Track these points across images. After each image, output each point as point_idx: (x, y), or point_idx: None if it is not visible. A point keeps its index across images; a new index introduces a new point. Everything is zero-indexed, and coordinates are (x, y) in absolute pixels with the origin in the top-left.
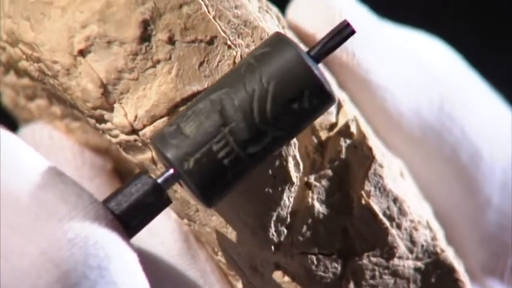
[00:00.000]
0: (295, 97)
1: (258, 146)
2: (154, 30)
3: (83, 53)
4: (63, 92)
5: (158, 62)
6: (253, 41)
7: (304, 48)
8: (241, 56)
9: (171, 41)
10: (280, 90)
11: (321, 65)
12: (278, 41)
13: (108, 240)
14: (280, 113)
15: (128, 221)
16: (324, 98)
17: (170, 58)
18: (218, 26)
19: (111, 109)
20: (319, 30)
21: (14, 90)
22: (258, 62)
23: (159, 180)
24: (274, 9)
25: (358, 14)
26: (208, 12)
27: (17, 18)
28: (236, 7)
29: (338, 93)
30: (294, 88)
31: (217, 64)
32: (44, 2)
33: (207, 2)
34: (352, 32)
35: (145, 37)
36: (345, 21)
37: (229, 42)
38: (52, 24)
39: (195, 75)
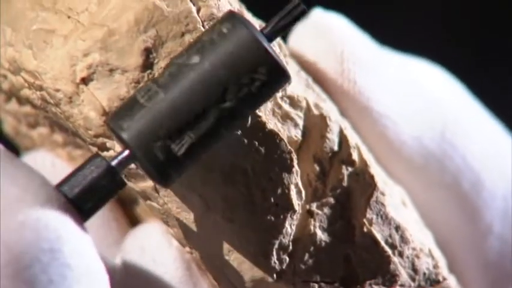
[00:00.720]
0: (252, 75)
1: (213, 125)
2: (157, 58)
3: (85, 81)
4: (66, 120)
5: None
6: None
7: (305, 76)
8: None
9: None
10: (237, 70)
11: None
12: (232, 21)
13: (60, 222)
14: (237, 91)
15: (82, 204)
16: (279, 74)
17: None
18: None
19: (113, 137)
20: (321, 59)
21: (15, 118)
22: (213, 44)
23: (113, 163)
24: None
25: (359, 41)
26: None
27: (19, 46)
28: None
29: (340, 120)
30: (250, 66)
31: None
32: (46, 30)
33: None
34: (304, 11)
35: (147, 65)
36: (295, 0)
37: None
38: (54, 53)
39: None
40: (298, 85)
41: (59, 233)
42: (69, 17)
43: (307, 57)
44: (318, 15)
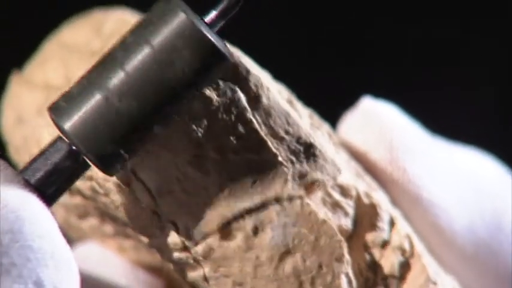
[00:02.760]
0: (199, 71)
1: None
2: (206, 148)
3: (134, 170)
4: (115, 209)
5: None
6: (305, 157)
7: (355, 165)
8: (292, 172)
9: (223, 158)
10: (186, 68)
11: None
12: (170, 7)
13: (20, 202)
14: (187, 88)
15: (45, 188)
16: (218, 57)
17: (222, 175)
18: (270, 143)
19: (162, 227)
20: (371, 147)
21: (66, 209)
22: (157, 36)
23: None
24: (326, 126)
25: (409, 130)
26: (260, 129)
27: None
28: (288, 124)
29: (390, 209)
30: (188, 51)
31: (270, 181)
32: None
33: (258, 119)
34: None
35: (196, 154)
36: None
37: (280, 159)
38: None
39: (247, 192)
40: (349, 174)
41: (19, 214)
42: None
43: (357, 146)
44: (367, 103)
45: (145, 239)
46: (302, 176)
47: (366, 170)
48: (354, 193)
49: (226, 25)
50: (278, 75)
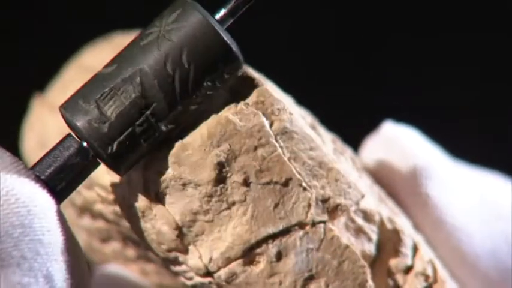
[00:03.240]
0: (213, 69)
1: (175, 122)
2: (230, 172)
3: (158, 195)
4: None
5: (233, 203)
6: (328, 183)
7: (378, 190)
8: (315, 197)
9: (246, 182)
10: (199, 67)
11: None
12: (188, 9)
13: (31, 197)
14: (199, 88)
15: (55, 184)
16: (236, 66)
17: (245, 200)
18: (293, 168)
19: (186, 251)
20: (393, 172)
21: (88, 233)
22: (172, 35)
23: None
24: (349, 151)
25: (431, 154)
26: (283, 154)
27: None
28: (311, 149)
29: (413, 234)
30: (211, 62)
31: (292, 206)
32: None
33: (281, 144)
34: None
35: (220, 179)
36: None
37: (304, 184)
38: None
39: (270, 217)
40: (372, 199)
41: (29, 208)
42: None
43: (379, 171)
44: (389, 128)
45: (167, 264)
46: (325, 201)
47: (389, 195)
48: (377, 218)
49: (251, 49)
50: (301, 99)
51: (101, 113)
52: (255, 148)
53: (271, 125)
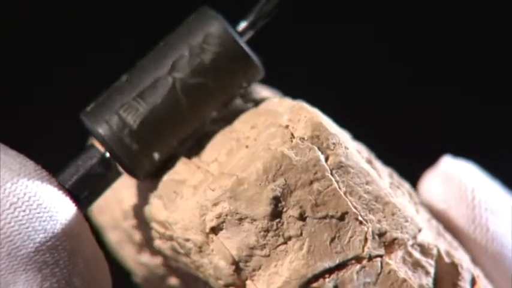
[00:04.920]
0: (232, 77)
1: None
2: (285, 207)
3: (214, 230)
4: (196, 269)
5: (289, 238)
6: (385, 217)
7: (436, 223)
8: (372, 231)
9: (302, 217)
10: (219, 76)
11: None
12: (207, 18)
13: (54, 203)
14: (220, 96)
15: (78, 192)
16: (256, 74)
17: (301, 234)
18: (349, 202)
19: (243, 286)
20: (452, 206)
21: (147, 269)
22: (187, 41)
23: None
24: (406, 185)
25: (490, 188)
26: (339, 188)
27: (150, 197)
28: (367, 183)
29: (472, 268)
30: (229, 69)
31: (349, 240)
32: (176, 181)
33: (337, 178)
34: (277, 5)
35: (276, 214)
36: None
37: (360, 218)
38: (184, 203)
39: (327, 251)
40: (429, 233)
41: (51, 214)
42: (198, 167)
43: (437, 205)
44: (447, 162)
45: None
46: (382, 234)
47: (447, 229)
48: (434, 252)
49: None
50: (357, 134)
51: (123, 122)
52: (311, 182)
53: (326, 159)
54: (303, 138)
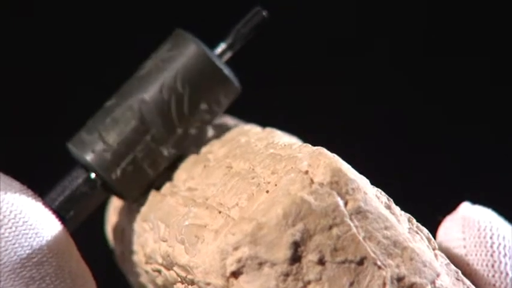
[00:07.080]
0: (206, 93)
1: (177, 147)
2: (305, 252)
3: (235, 274)
4: None
5: (309, 282)
6: (403, 261)
7: (454, 269)
8: (391, 276)
9: (321, 261)
10: (194, 91)
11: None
12: (182, 40)
13: (40, 221)
14: (195, 111)
15: (63, 212)
16: (232, 91)
17: (321, 279)
18: (368, 247)
19: None
20: (470, 251)
21: None
22: (167, 64)
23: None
24: (425, 231)
25: (509, 233)
26: (358, 233)
27: (172, 241)
28: (386, 228)
29: None
30: (205, 86)
31: (367, 284)
32: (198, 225)
33: (356, 223)
34: (263, 18)
35: (296, 258)
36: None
37: (379, 263)
38: (206, 247)
39: None
40: (447, 278)
41: (37, 231)
42: (220, 212)
43: (456, 250)
44: (466, 208)
45: None
46: (400, 279)
47: (465, 274)
48: None
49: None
50: (376, 180)
51: (104, 143)
52: (330, 227)
53: (345, 204)
54: (322, 184)
